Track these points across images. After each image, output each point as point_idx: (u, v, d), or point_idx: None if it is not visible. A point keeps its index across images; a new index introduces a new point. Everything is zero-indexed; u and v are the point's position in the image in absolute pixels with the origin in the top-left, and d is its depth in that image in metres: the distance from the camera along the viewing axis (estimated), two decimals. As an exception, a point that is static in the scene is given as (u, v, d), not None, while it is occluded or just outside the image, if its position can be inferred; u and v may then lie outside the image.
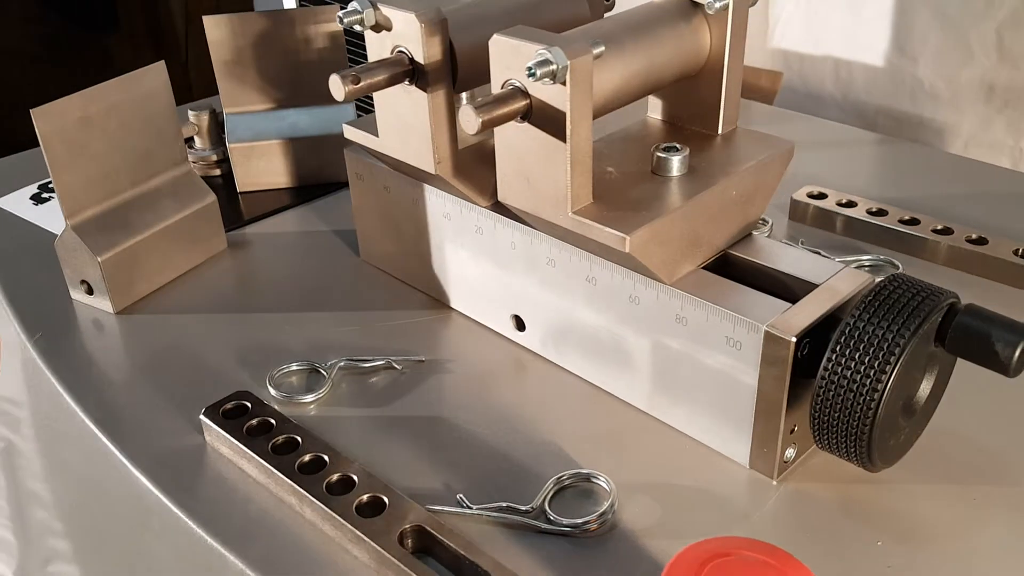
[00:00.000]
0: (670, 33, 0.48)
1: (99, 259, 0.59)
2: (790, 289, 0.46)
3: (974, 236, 0.62)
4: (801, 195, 0.69)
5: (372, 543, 0.41)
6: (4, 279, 0.65)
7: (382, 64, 0.48)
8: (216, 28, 0.72)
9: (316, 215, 0.74)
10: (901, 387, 0.40)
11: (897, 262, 0.62)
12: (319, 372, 0.55)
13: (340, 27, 0.73)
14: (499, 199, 0.49)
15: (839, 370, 0.40)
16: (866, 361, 0.39)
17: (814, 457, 0.47)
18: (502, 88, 0.44)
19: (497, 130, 0.45)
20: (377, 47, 0.50)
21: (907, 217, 0.65)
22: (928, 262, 0.63)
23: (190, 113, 0.78)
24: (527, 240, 0.52)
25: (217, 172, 0.79)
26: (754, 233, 0.50)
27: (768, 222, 0.67)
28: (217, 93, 0.75)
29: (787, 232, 0.68)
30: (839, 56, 1.20)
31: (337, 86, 0.46)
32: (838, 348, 0.40)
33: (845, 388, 0.40)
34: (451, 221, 0.57)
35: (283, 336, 0.59)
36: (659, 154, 0.48)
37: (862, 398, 0.39)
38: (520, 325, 0.56)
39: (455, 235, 0.57)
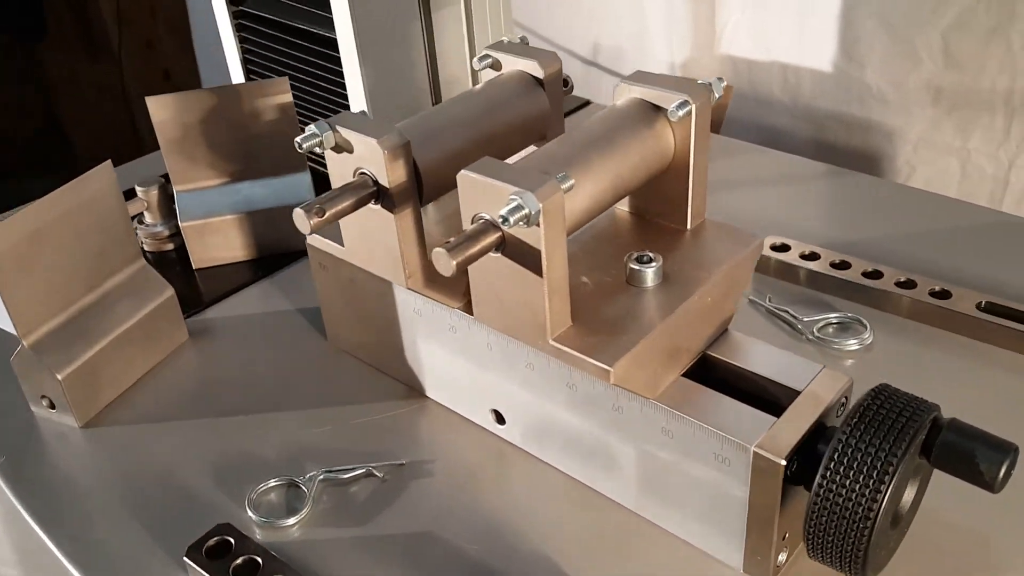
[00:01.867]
0: (635, 143, 0.47)
1: (59, 376, 0.58)
2: (772, 395, 0.46)
3: (937, 289, 0.63)
4: (764, 247, 0.69)
5: None
6: (-41, 393, 0.63)
7: (346, 191, 0.46)
8: (161, 108, 0.69)
9: (279, 291, 0.72)
10: (891, 503, 0.41)
11: (865, 320, 0.63)
12: (299, 487, 0.54)
13: (290, 98, 0.71)
14: (475, 317, 0.48)
15: (832, 492, 0.41)
16: (860, 481, 0.40)
17: (804, 555, 0.48)
18: (472, 223, 0.43)
19: (470, 256, 0.45)
20: (339, 167, 0.48)
21: (870, 269, 0.66)
22: (893, 315, 0.64)
23: (138, 189, 0.75)
24: (503, 342, 0.51)
25: (170, 247, 0.77)
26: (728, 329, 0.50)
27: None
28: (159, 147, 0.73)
29: (752, 285, 0.69)
30: (787, 62, 1.20)
31: (302, 220, 0.45)
32: (830, 469, 0.41)
33: (840, 509, 0.40)
34: (423, 317, 0.56)
35: (257, 443, 0.58)
36: (632, 265, 0.47)
37: (857, 518, 0.40)
38: (500, 419, 0.56)
39: (428, 331, 0.56)
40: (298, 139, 0.47)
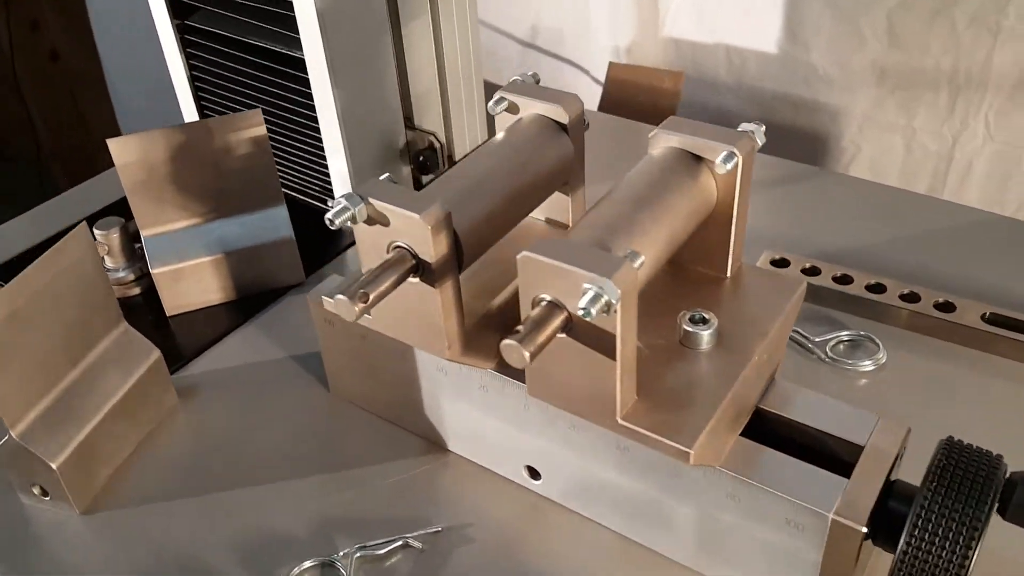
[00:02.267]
0: (684, 199, 0.46)
1: (54, 465, 0.53)
2: (832, 451, 0.46)
3: (941, 301, 0.64)
4: (764, 263, 0.69)
5: None
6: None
7: (386, 269, 0.43)
8: (124, 150, 0.64)
9: (264, 336, 0.68)
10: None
11: (876, 338, 0.63)
12: (335, 567, 0.51)
13: (264, 131, 0.66)
14: (529, 393, 0.46)
15: (919, 557, 0.40)
16: (947, 547, 0.40)
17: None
18: (535, 305, 0.41)
19: (528, 335, 0.42)
20: (371, 239, 0.45)
21: (872, 283, 0.66)
22: (898, 328, 0.65)
23: (97, 233, 0.69)
24: (544, 403, 0.50)
25: (136, 291, 0.72)
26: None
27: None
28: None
29: (755, 301, 0.68)
30: (732, 44, 1.20)
31: (347, 309, 0.41)
32: (914, 536, 0.41)
33: (926, 573, 0.40)
34: (448, 376, 0.54)
35: (278, 517, 0.54)
36: (687, 327, 0.46)
37: (945, 582, 0.40)
38: (535, 474, 0.54)
39: (454, 389, 0.54)
40: (329, 215, 0.43)
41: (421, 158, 0.78)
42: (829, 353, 0.62)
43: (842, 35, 1.11)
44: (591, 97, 1.32)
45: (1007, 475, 0.42)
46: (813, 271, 0.68)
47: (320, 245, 0.76)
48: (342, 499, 0.55)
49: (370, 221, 0.44)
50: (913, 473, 0.44)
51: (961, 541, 0.40)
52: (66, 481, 0.54)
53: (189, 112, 0.84)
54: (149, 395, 0.60)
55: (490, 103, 0.51)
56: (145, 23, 0.80)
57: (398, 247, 0.44)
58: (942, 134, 1.11)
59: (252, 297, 0.71)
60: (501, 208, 0.47)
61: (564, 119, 0.50)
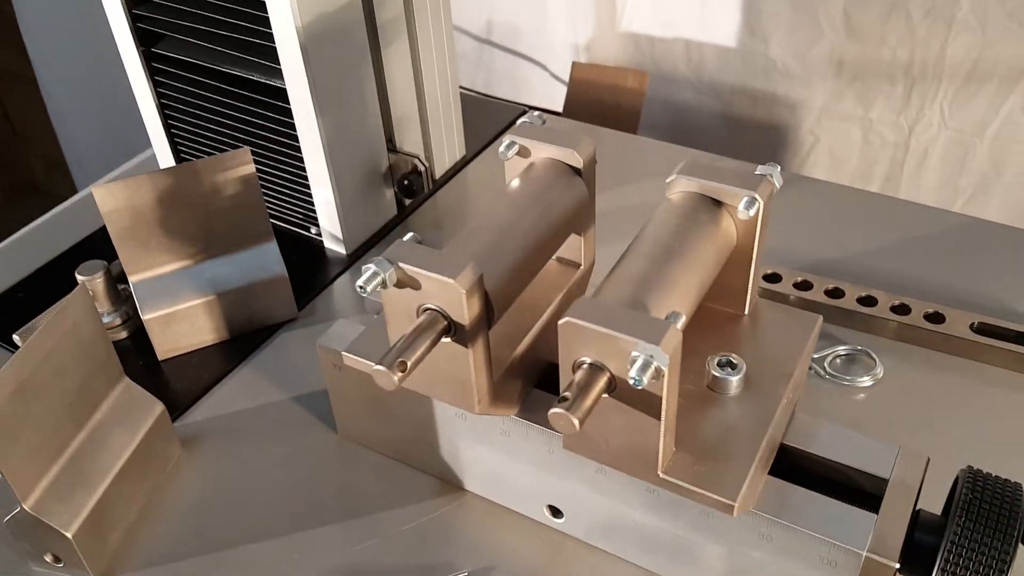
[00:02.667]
0: (709, 247, 0.46)
1: (69, 534, 0.51)
2: (857, 484, 0.47)
3: (931, 311, 0.66)
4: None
5: None
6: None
7: (420, 334, 0.43)
8: (110, 198, 0.61)
9: (263, 378, 0.67)
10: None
11: (872, 353, 0.65)
12: (369, 621, 0.51)
13: (252, 169, 0.65)
14: (565, 447, 0.46)
15: (950, 591, 0.42)
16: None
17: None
18: (575, 369, 0.41)
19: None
20: (399, 302, 0.45)
21: (863, 295, 0.68)
22: (890, 340, 0.67)
23: (80, 279, 0.67)
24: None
25: (124, 335, 0.70)
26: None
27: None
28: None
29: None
30: (690, 38, 1.21)
31: (387, 379, 0.41)
32: (947, 569, 0.42)
33: (957, 608, 0.42)
34: (468, 421, 0.54)
35: (299, 570, 0.54)
36: (715, 373, 0.47)
37: (976, 615, 0.42)
38: (556, 513, 0.55)
39: (474, 435, 0.54)
40: (360, 282, 0.43)
41: (406, 181, 0.77)
42: (828, 369, 0.64)
43: (800, 28, 1.13)
44: (551, 94, 1.32)
45: (1030, 505, 0.44)
46: (805, 285, 0.70)
47: (306, 275, 0.75)
48: (364, 548, 0.55)
49: (400, 285, 0.44)
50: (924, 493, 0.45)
51: (992, 573, 0.41)
52: (81, 548, 0.52)
53: (160, 143, 0.81)
54: (154, 450, 0.59)
55: (500, 148, 0.51)
56: (76, 21, 0.77)
57: (429, 310, 0.44)
58: (899, 124, 1.14)
59: (244, 336, 0.70)
60: (526, 260, 0.47)
61: (579, 164, 0.50)
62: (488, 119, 0.94)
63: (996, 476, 0.45)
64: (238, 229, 0.67)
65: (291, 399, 0.65)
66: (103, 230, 0.79)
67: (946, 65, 1.07)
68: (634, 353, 0.38)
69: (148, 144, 0.85)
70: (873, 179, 1.19)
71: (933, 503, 0.47)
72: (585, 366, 0.41)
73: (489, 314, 0.45)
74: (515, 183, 0.50)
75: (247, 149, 0.64)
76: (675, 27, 1.21)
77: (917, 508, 0.46)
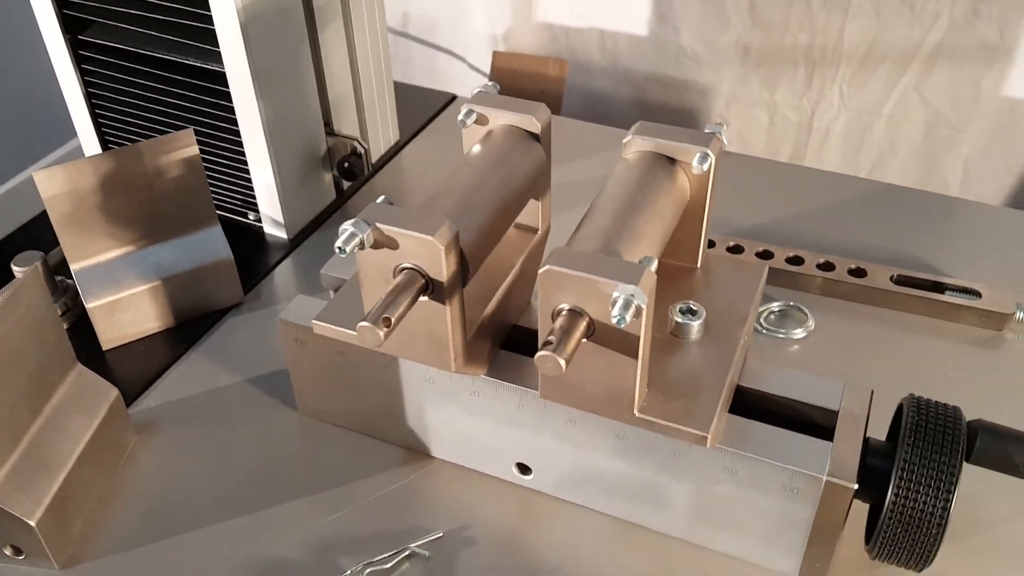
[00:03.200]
0: (668, 201, 0.49)
1: (32, 523, 0.50)
2: (808, 416, 0.51)
3: (853, 267, 0.71)
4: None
5: None
6: None
7: (400, 292, 0.44)
8: (50, 182, 0.60)
9: (213, 360, 0.67)
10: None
11: (804, 308, 0.69)
12: (349, 586, 0.52)
13: (196, 150, 0.64)
14: (542, 396, 0.48)
15: (905, 506, 0.46)
16: (930, 494, 0.45)
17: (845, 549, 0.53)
18: (554, 317, 0.43)
19: (544, 341, 0.44)
20: (375, 262, 0.45)
21: (791, 255, 0.72)
22: (817, 295, 0.71)
23: (16, 270, 0.65)
24: (540, 402, 0.52)
25: (65, 327, 0.68)
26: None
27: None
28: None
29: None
30: (604, 28, 1.24)
31: (372, 336, 0.42)
32: (900, 487, 0.46)
33: (914, 519, 0.46)
34: (435, 384, 0.55)
35: (275, 545, 0.54)
36: (678, 319, 0.49)
37: (932, 525, 0.45)
38: (525, 470, 0.56)
39: (441, 397, 0.55)
40: (338, 243, 0.43)
41: (347, 164, 0.77)
42: (763, 324, 0.68)
43: (708, 16, 1.18)
44: (470, 84, 1.33)
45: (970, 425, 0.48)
46: (737, 249, 0.73)
47: (248, 261, 0.74)
48: (335, 519, 0.56)
49: (376, 245, 0.45)
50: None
51: (942, 487, 0.45)
52: (45, 537, 0.51)
53: (86, 132, 0.79)
54: (111, 435, 0.58)
55: (459, 115, 0.52)
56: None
57: (406, 269, 0.45)
58: (801, 106, 1.20)
59: (190, 322, 0.69)
60: (493, 221, 0.49)
61: (536, 129, 0.52)
62: (416, 106, 0.95)
63: (937, 401, 0.49)
64: (182, 212, 0.66)
65: (245, 381, 0.65)
66: (37, 219, 0.77)
67: (844, 49, 1.14)
68: (615, 294, 0.40)
69: (68, 136, 0.82)
70: (780, 158, 1.25)
71: (874, 432, 0.51)
72: (565, 312, 0.43)
73: (464, 272, 0.46)
74: (476, 148, 0.52)
75: (190, 130, 0.63)
76: (590, 17, 1.25)
77: (866, 436, 0.50)
